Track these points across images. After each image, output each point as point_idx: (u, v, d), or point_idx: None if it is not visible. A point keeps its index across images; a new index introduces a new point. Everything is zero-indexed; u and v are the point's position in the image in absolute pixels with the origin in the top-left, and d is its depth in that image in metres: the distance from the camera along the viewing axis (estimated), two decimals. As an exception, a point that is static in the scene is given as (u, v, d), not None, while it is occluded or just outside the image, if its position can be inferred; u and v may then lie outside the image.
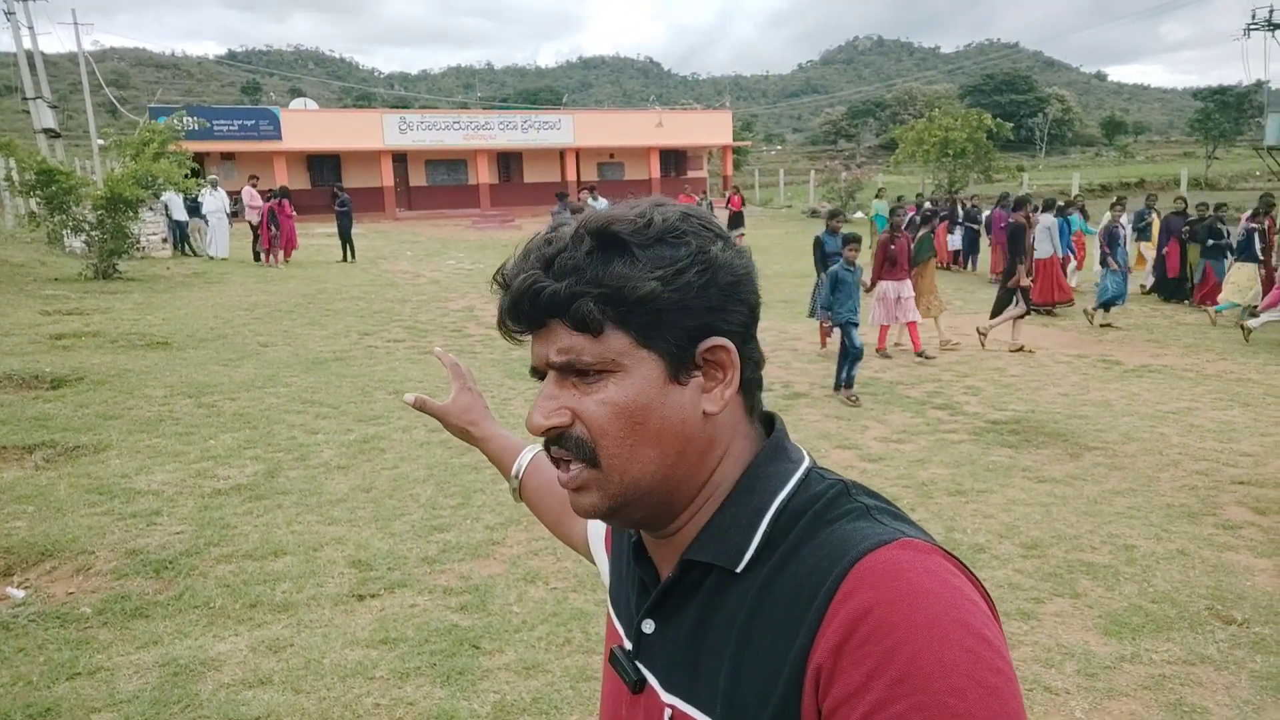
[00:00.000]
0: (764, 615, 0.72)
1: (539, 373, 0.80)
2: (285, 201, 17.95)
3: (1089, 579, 4.27)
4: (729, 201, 22.23)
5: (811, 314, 10.08)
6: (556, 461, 0.80)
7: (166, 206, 19.18)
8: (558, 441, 0.78)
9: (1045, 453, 6.25)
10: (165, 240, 19.09)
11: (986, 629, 0.65)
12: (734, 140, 40.60)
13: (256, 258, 17.97)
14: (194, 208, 19.12)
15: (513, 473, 1.33)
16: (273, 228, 17.51)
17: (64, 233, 15.78)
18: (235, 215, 20.51)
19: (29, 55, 25.04)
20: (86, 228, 14.59)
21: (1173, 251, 13.64)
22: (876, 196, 22.40)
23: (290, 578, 4.13)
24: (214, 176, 20.23)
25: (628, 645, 0.87)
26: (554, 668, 3.44)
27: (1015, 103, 77.03)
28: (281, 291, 13.95)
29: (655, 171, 37.39)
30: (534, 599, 4.02)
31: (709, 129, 38.78)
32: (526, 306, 0.76)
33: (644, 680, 0.83)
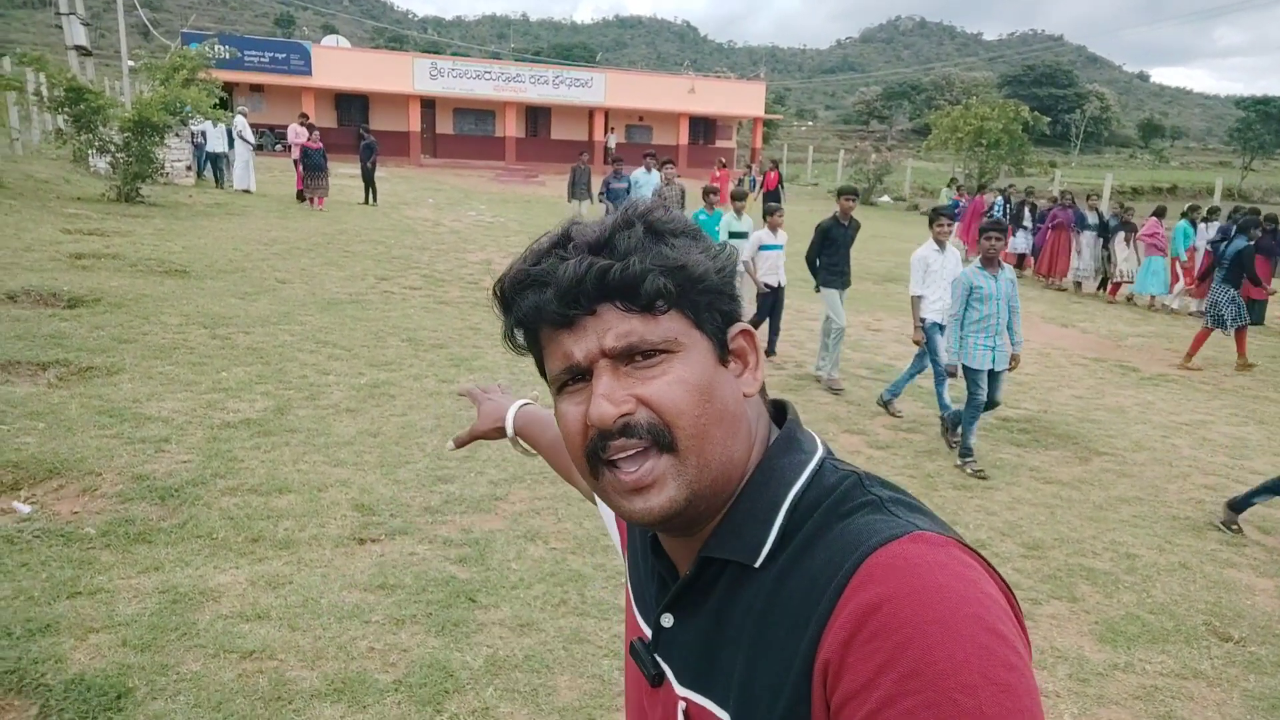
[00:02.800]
0: (778, 609, 0.72)
1: (575, 371, 0.77)
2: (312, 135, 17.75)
3: (1088, 584, 4.26)
4: (765, 178, 21.60)
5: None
6: (610, 464, 0.76)
7: (203, 135, 19.09)
8: (624, 432, 0.74)
9: (1054, 454, 6.21)
10: (189, 168, 19.05)
11: (1001, 624, 0.63)
12: (766, 113, 40.12)
13: (300, 198, 17.61)
14: (232, 140, 18.92)
15: (508, 431, 1.39)
16: (301, 168, 17.24)
17: (90, 152, 15.79)
18: (260, 149, 20.42)
19: (64, -30, 24.77)
20: (112, 149, 14.56)
21: (1263, 270, 12.35)
22: (949, 185, 21.66)
23: (293, 516, 4.15)
24: (243, 108, 20.12)
25: (648, 637, 0.88)
26: (548, 627, 3.46)
27: (1054, 97, 75.78)
28: (302, 229, 13.93)
29: (684, 138, 37.03)
30: (533, 557, 4.03)
31: (741, 99, 38.30)
32: (589, 287, 0.74)
33: (663, 674, 0.84)
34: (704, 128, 38.65)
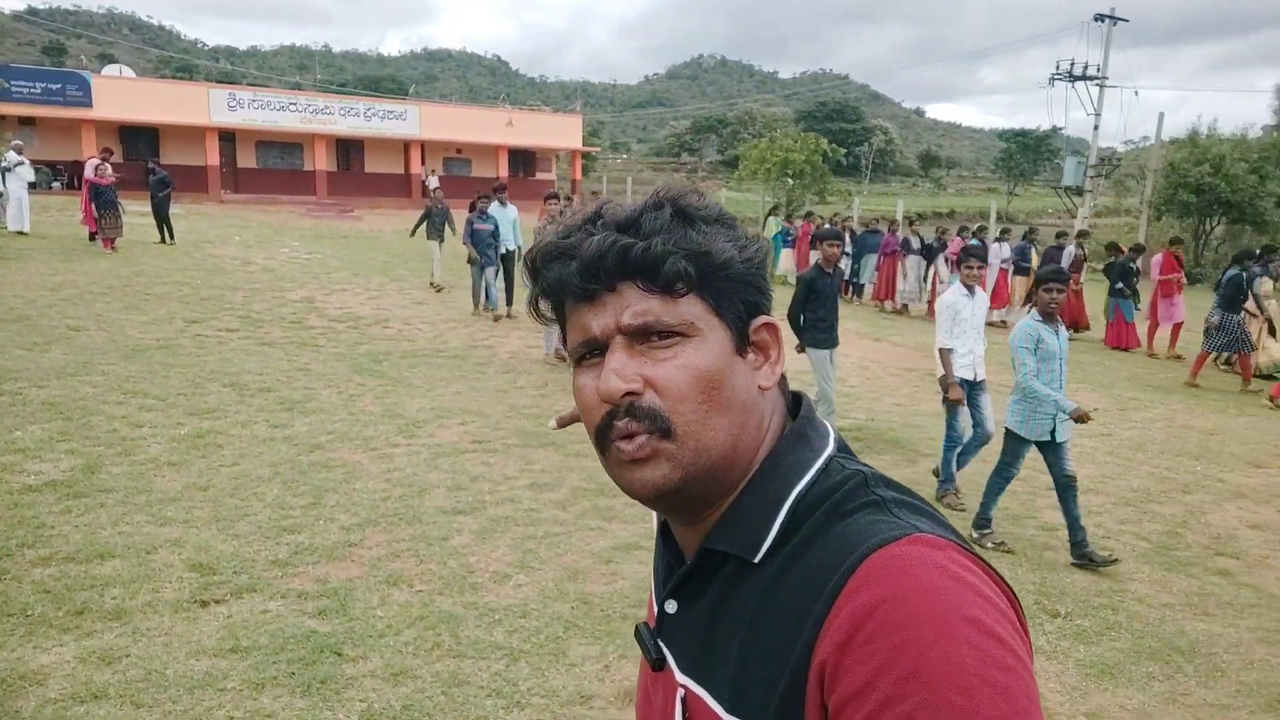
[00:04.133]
0: (775, 606, 0.72)
1: (592, 345, 0.78)
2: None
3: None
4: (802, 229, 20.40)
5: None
6: (614, 440, 0.76)
7: None
8: (629, 412, 0.75)
9: (885, 458, 6.63)
10: (-50, 208, 16.95)
11: (998, 626, 0.63)
12: (584, 145, 40.75)
13: (93, 239, 15.82)
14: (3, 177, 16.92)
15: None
16: (94, 207, 15.45)
17: None
18: (34, 186, 18.48)
19: None
20: None
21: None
22: (773, 213, 21.60)
23: (121, 582, 3.76)
24: (18, 142, 18.19)
25: (652, 623, 0.89)
26: (423, 673, 3.31)
27: (845, 130, 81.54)
28: (91, 272, 12.72)
29: (504, 170, 36.90)
30: (398, 602, 3.85)
31: (559, 132, 38.70)
32: (610, 263, 0.75)
33: (664, 659, 0.84)
34: (523, 160, 38.71)
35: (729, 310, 0.78)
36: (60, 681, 3.01)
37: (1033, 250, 15.40)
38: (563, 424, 1.39)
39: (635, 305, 0.75)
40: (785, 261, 18.82)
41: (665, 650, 0.84)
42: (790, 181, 30.56)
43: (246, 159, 32.92)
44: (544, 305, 0.83)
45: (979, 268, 5.87)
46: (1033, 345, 4.84)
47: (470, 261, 11.71)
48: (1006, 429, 5.05)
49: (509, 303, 11.98)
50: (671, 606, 0.84)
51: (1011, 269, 15.30)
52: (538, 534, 4.70)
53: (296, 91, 38.32)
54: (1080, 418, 4.65)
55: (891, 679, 0.60)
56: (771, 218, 21.04)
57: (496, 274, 11.61)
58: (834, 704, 0.64)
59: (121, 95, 29.64)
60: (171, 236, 17.09)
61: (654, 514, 1.12)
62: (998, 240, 15.52)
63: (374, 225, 25.36)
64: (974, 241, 15.91)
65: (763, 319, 0.81)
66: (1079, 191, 31.25)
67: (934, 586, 0.63)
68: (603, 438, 0.77)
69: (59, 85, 28.55)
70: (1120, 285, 13.25)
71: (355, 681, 3.21)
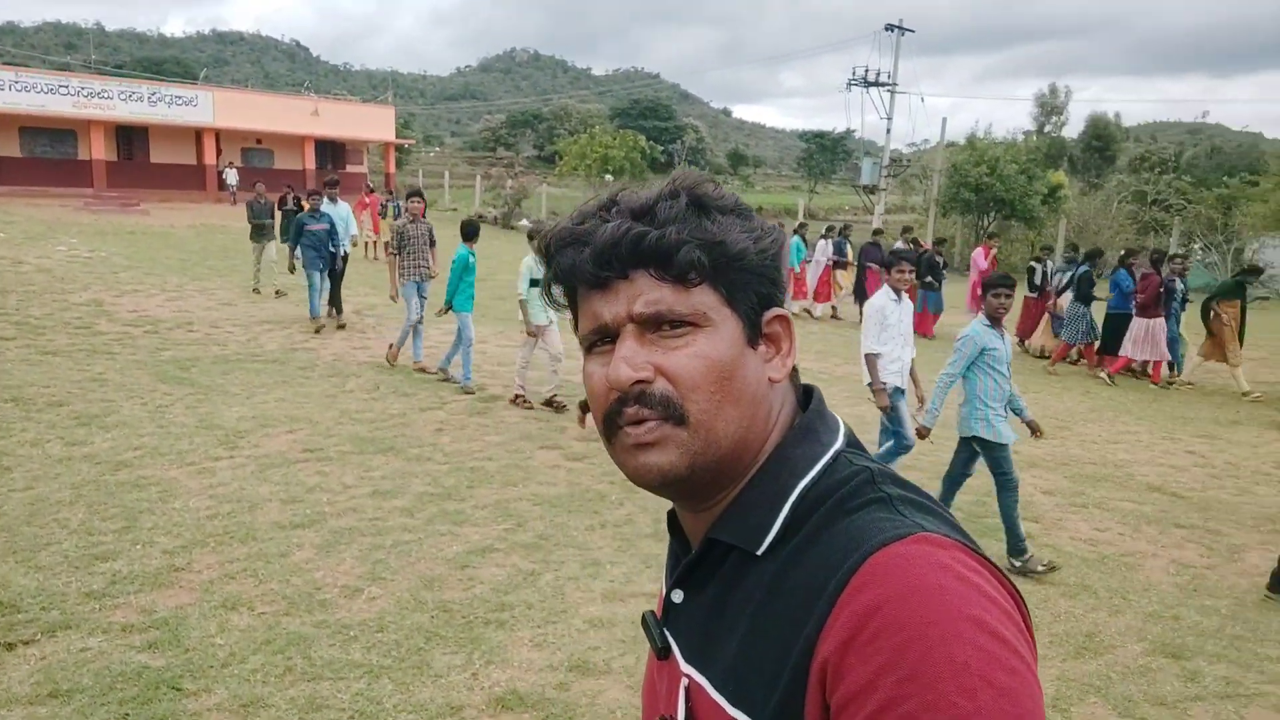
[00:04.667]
0: (777, 601, 0.72)
1: (603, 333, 0.77)
2: None
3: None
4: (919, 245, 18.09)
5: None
6: (623, 425, 0.76)
7: None
8: (639, 399, 0.74)
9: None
10: None
11: (1003, 627, 0.62)
12: (396, 137, 39.38)
13: None
14: None
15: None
16: None
17: None
18: None
19: None
20: None
21: (873, 280, 14.35)
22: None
23: None
24: None
25: (659, 612, 0.89)
26: (277, 700, 3.10)
27: (658, 128, 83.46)
28: None
29: (310, 162, 34.99)
30: (239, 628, 3.58)
31: (370, 123, 37.15)
32: (624, 251, 0.74)
33: (669, 647, 0.84)
34: (332, 151, 36.87)
35: (742, 301, 0.78)
36: None
37: (848, 245, 16.29)
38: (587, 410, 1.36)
39: (648, 294, 0.75)
40: None
41: (671, 639, 0.84)
42: (610, 178, 30.95)
43: (9, 147, 29.42)
44: (556, 291, 0.82)
45: (909, 271, 5.75)
46: (974, 351, 4.83)
47: (290, 270, 11.12)
48: (979, 440, 4.89)
49: (339, 310, 11.07)
50: (678, 596, 0.84)
51: (831, 264, 16.11)
52: (386, 543, 4.51)
53: (67, 73, 34.67)
54: (923, 435, 5.29)
55: (894, 679, 0.60)
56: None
57: (324, 279, 10.60)
58: (836, 702, 0.64)
59: None
60: None
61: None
62: (823, 238, 16.23)
63: (164, 220, 23.35)
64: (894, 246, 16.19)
65: (775, 311, 0.81)
66: (874, 190, 33.62)
67: (939, 586, 0.63)
68: (610, 424, 0.77)
69: None
70: (930, 278, 14.32)
71: (200, 717, 2.96)
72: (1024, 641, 0.64)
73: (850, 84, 32.45)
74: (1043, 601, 4.44)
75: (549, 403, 7.52)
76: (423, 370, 8.62)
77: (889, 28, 32.10)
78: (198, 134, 32.23)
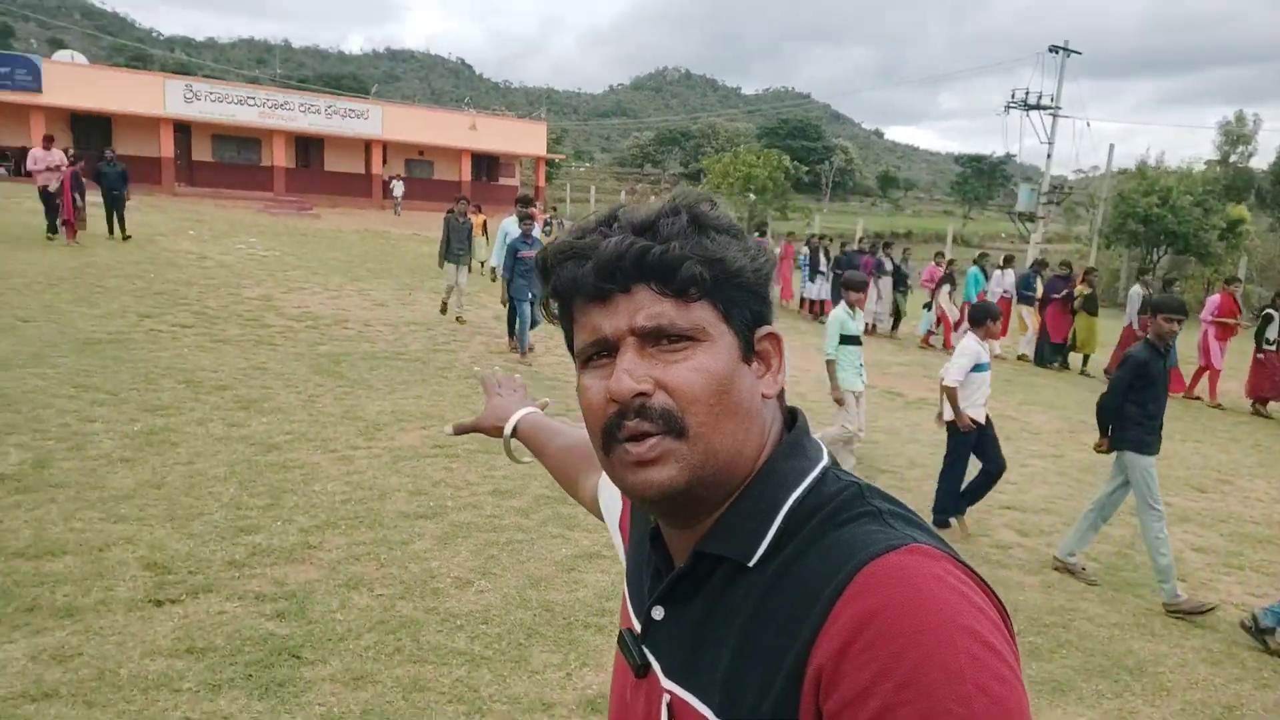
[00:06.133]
0: (769, 611, 0.72)
1: (602, 346, 0.78)
2: (81, 165, 15.31)
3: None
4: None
5: None
6: (623, 440, 0.77)
7: None
8: (640, 413, 0.75)
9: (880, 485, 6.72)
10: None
11: (994, 637, 0.64)
12: (547, 152, 40.72)
13: (52, 231, 14.96)
14: None
15: (505, 431, 1.43)
16: (76, 197, 14.76)
17: None
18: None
19: None
20: None
21: (1056, 316, 13.79)
22: (757, 231, 19.39)
23: (73, 580, 3.66)
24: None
25: (637, 629, 0.88)
26: (384, 678, 3.27)
27: (806, 148, 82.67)
28: (41, 263, 12.37)
29: (466, 174, 36.72)
30: (358, 606, 3.80)
31: (524, 138, 38.64)
32: (627, 265, 0.76)
33: (648, 665, 0.84)
34: (487, 165, 38.55)
35: (737, 318, 0.79)
36: (9, 679, 2.92)
37: (1038, 280, 14.55)
38: (459, 431, 1.42)
39: (649, 308, 0.76)
40: None
41: (650, 656, 0.84)
42: (753, 197, 30.89)
43: (202, 152, 32.30)
44: (553, 305, 0.84)
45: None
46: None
47: (504, 302, 9.93)
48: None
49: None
50: (659, 613, 0.84)
51: (1015, 298, 14.64)
52: (500, 540, 4.68)
53: (255, 86, 37.75)
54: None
55: (889, 686, 0.61)
56: (754, 233, 20.72)
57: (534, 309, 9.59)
58: (829, 709, 0.64)
59: (73, 81, 28.93)
60: (123, 229, 16.25)
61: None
62: (1000, 268, 14.96)
63: (333, 224, 25.04)
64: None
65: (767, 329, 0.83)
66: (1031, 218, 32.05)
67: (933, 596, 0.64)
68: (609, 438, 0.77)
69: (7, 69, 27.78)
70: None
71: (314, 685, 3.17)
72: (1011, 652, 0.65)
73: (1009, 106, 31.13)
74: (1180, 665, 4.13)
75: None
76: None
77: (1053, 49, 30.62)
78: (367, 145, 34.42)
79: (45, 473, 4.80)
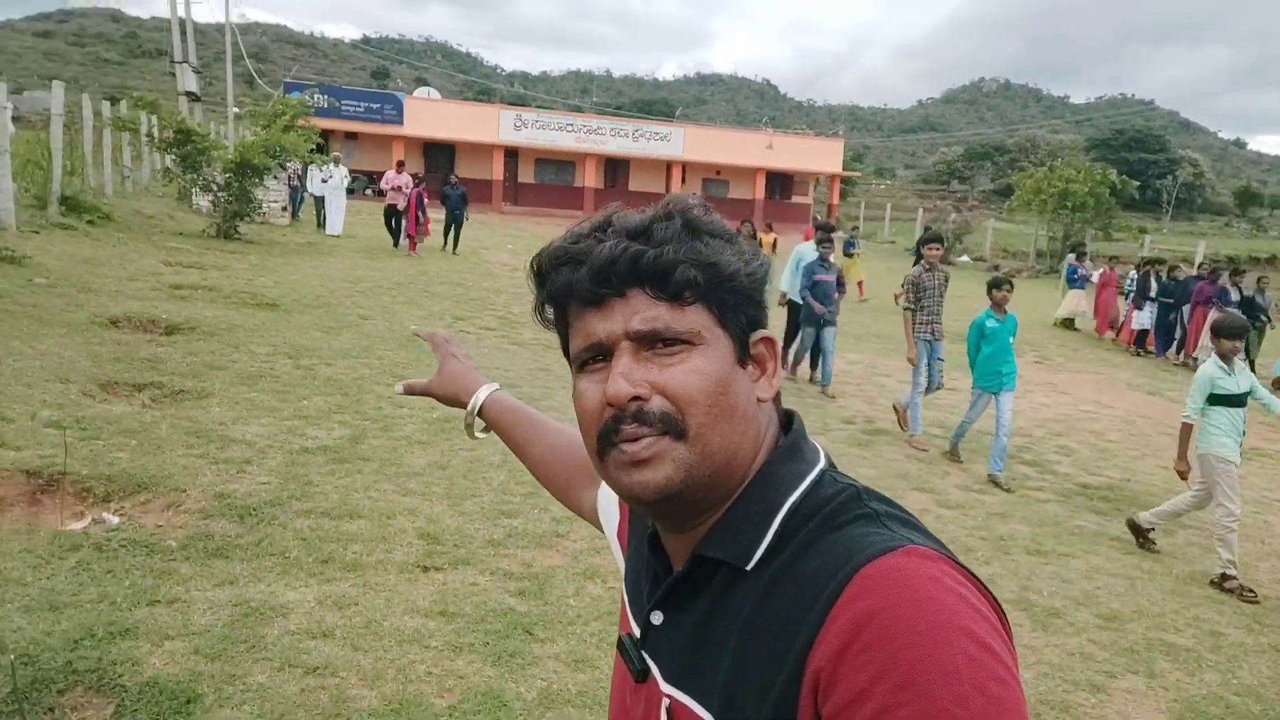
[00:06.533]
0: (768, 614, 0.72)
1: (597, 350, 0.79)
2: (424, 186, 17.76)
3: (1168, 660, 4.05)
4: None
5: None
6: (618, 443, 0.77)
7: (302, 178, 19.85)
8: (638, 417, 0.76)
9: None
10: (285, 208, 19.94)
11: (991, 639, 0.64)
12: (844, 170, 40.15)
13: (396, 242, 17.50)
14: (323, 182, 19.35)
15: (470, 406, 1.38)
16: (420, 214, 17.13)
17: (193, 191, 16.68)
18: (351, 193, 21.16)
19: (181, 22, 26.59)
20: (214, 188, 15.38)
21: None
22: (1073, 252, 17.81)
23: (362, 540, 4.26)
24: (337, 154, 21.05)
25: (637, 634, 0.89)
26: (603, 664, 3.45)
27: (1144, 162, 73.86)
28: (386, 269, 14.43)
29: (760, 193, 37.28)
30: (591, 595, 4.04)
31: (819, 156, 38.46)
32: (622, 269, 0.77)
33: (648, 670, 0.85)
34: (781, 183, 38.87)
35: (732, 322, 0.80)
36: (300, 617, 3.48)
37: None
38: (409, 392, 1.41)
39: (644, 311, 0.77)
40: (1072, 303, 16.99)
41: (650, 661, 0.85)
42: (1069, 214, 28.19)
43: (526, 174, 35.78)
44: (549, 311, 0.85)
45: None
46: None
47: (809, 322, 9.12)
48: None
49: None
50: (657, 618, 0.84)
51: None
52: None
53: (574, 114, 41.08)
54: None
55: (888, 686, 0.61)
56: (1070, 255, 18.39)
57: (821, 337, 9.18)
58: (828, 710, 0.64)
59: (427, 115, 33.34)
60: (456, 245, 18.31)
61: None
62: None
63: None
64: (1069, 268, 13.42)
65: (762, 333, 0.83)
66: None
67: (930, 597, 0.64)
68: (605, 441, 0.78)
69: (378, 105, 32.67)
70: None
71: (540, 661, 3.43)
72: (1008, 652, 0.65)
73: None
74: None
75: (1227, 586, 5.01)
76: (915, 445, 7.33)
77: None
78: (668, 166, 36.16)
79: (358, 447, 5.61)
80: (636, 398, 0.76)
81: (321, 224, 19.75)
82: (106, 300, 8.56)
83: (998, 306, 6.72)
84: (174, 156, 15.86)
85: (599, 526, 1.19)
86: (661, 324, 0.76)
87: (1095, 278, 16.73)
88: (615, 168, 36.85)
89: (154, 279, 10.27)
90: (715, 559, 0.79)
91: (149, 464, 4.78)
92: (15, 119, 21.17)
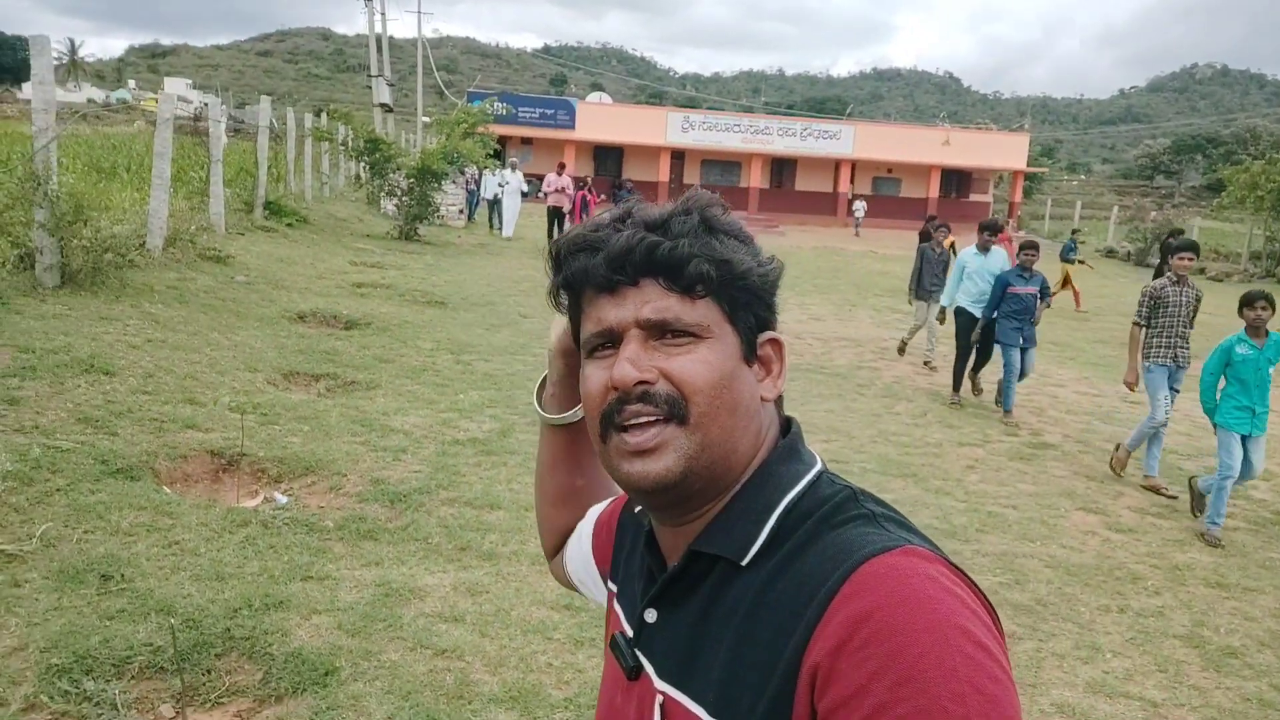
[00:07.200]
0: (764, 610, 0.73)
1: (607, 337, 0.80)
2: (589, 190, 18.55)
3: (1372, 720, 3.55)
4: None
5: None
6: (623, 428, 0.78)
7: (476, 181, 20.98)
8: (643, 399, 0.77)
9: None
10: (461, 211, 21.08)
11: (987, 639, 0.65)
12: (1029, 165, 37.81)
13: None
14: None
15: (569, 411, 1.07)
16: (584, 216, 18.01)
17: (380, 195, 17.94)
18: (525, 196, 22.09)
19: (378, 38, 28.63)
20: (399, 193, 16.47)
21: None
22: None
23: (499, 530, 4.44)
24: (514, 159, 22.01)
25: (629, 633, 0.90)
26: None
27: (1392, 151, 65.08)
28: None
29: (934, 191, 35.76)
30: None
31: (1000, 151, 36.41)
32: (638, 258, 0.78)
33: (640, 667, 0.86)
34: (957, 181, 37.10)
35: (741, 320, 0.81)
36: (435, 601, 3.66)
37: None
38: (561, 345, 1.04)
39: (656, 301, 0.78)
40: None
41: (643, 659, 0.86)
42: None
43: (692, 175, 36.01)
44: (562, 296, 0.87)
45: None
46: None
47: (1008, 341, 7.77)
48: None
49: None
50: (651, 615, 0.85)
51: None
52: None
53: (741, 114, 40.99)
54: None
55: (886, 684, 0.62)
56: None
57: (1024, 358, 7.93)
58: (825, 707, 0.65)
59: (597, 119, 34.24)
60: None
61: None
62: None
63: (795, 241, 26.19)
64: None
65: (770, 334, 0.85)
66: None
67: (928, 596, 0.65)
68: (607, 423, 0.79)
69: (552, 111, 33.87)
70: None
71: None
72: (1003, 652, 0.66)
73: None
74: None
75: None
76: (1155, 490, 6.25)
77: None
78: (836, 165, 35.37)
79: (505, 440, 5.84)
80: (643, 381, 0.77)
81: (494, 227, 20.78)
82: (297, 296, 9.36)
83: (1253, 329, 5.44)
84: (364, 164, 17.12)
85: (558, 547, 1.21)
86: (672, 314, 0.78)
87: None
88: (782, 167, 36.42)
89: (339, 277, 11.13)
90: (711, 555, 0.80)
91: (317, 449, 5.18)
92: (237, 130, 23.53)
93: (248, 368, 6.50)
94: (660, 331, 0.78)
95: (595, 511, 1.14)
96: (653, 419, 0.77)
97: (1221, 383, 5.57)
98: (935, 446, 6.87)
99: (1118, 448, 6.56)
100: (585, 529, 1.14)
